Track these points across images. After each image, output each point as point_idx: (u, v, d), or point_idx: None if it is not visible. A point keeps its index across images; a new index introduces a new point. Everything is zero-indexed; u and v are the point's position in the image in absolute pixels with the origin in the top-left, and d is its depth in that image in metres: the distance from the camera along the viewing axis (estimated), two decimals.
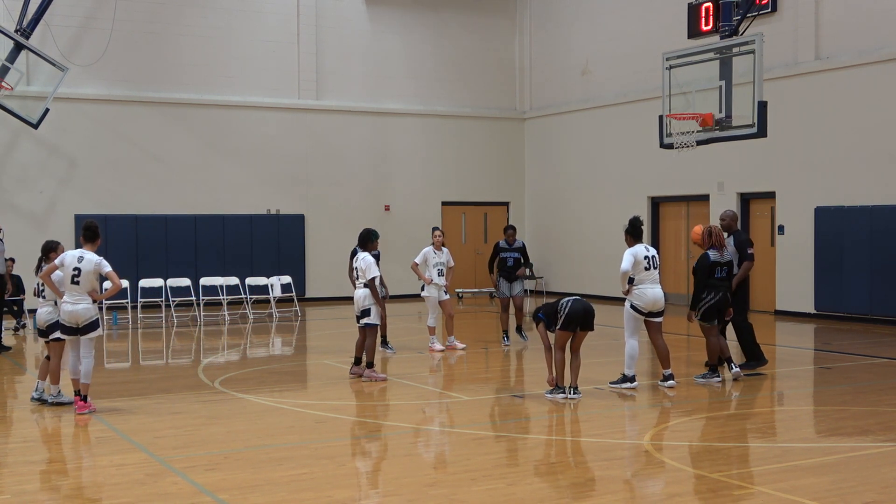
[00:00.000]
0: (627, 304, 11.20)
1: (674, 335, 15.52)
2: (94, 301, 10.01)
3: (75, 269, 9.84)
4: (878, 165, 17.67)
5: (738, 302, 12.10)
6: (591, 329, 10.57)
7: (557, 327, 10.51)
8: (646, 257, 11.10)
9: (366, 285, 11.79)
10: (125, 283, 19.99)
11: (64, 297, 9.90)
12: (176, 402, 10.64)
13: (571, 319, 10.33)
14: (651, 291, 11.07)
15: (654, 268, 11.13)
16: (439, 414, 10.30)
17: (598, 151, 23.93)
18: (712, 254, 11.48)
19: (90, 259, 9.89)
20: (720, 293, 11.43)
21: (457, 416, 10.06)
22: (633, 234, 11.24)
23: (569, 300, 10.47)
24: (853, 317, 17.98)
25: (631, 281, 11.08)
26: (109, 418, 9.67)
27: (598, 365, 12.55)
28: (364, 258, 11.91)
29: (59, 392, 10.34)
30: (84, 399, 9.92)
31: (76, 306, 9.82)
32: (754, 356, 12.34)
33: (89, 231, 10.07)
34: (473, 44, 25.84)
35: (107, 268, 9.92)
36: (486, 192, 26.10)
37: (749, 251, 12.25)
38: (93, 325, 9.90)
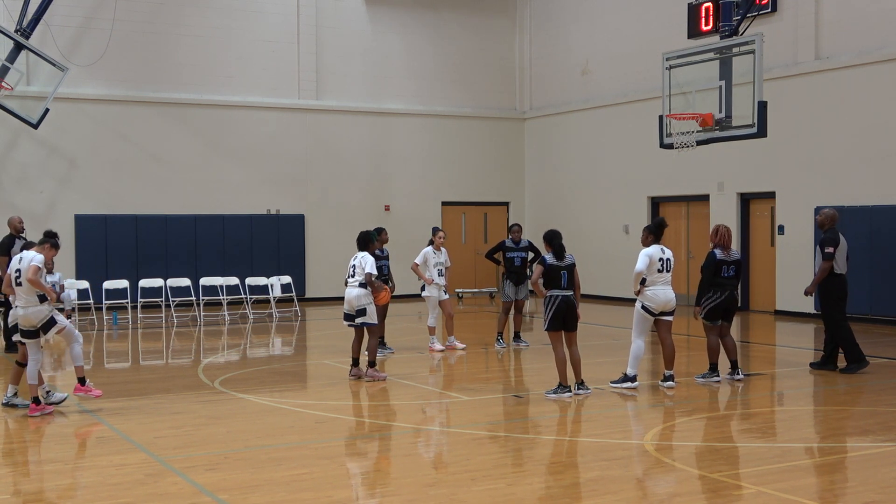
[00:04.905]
0: (638, 304, 11.18)
1: (673, 335, 15.50)
2: (54, 300, 9.95)
3: (16, 270, 9.83)
4: (878, 165, 17.67)
5: (830, 303, 12.20)
6: (573, 330, 10.67)
7: (545, 328, 10.64)
8: (661, 259, 11.06)
9: (361, 284, 11.79)
10: (125, 283, 20.10)
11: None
12: (176, 402, 10.64)
13: (555, 319, 10.51)
14: (663, 293, 11.06)
15: (668, 270, 11.12)
16: (439, 414, 10.30)
17: (598, 151, 23.92)
18: (718, 252, 11.48)
19: (27, 257, 9.79)
20: (727, 292, 11.43)
21: (457, 416, 10.06)
22: (655, 233, 11.19)
23: (557, 297, 10.53)
24: (853, 317, 17.87)
25: (643, 282, 11.07)
26: (109, 418, 9.67)
27: (598, 365, 12.55)
28: (364, 256, 11.92)
29: (49, 392, 10.28)
30: (82, 382, 9.95)
31: (26, 310, 9.75)
32: (855, 358, 12.25)
33: (44, 236, 10.11)
34: (473, 44, 25.84)
35: (34, 262, 9.69)
36: (486, 192, 26.09)
37: (826, 250, 12.18)
38: (51, 322, 9.80)
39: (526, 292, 14.67)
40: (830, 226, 12.41)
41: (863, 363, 12.22)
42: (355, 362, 12.04)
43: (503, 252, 14.70)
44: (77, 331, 10.23)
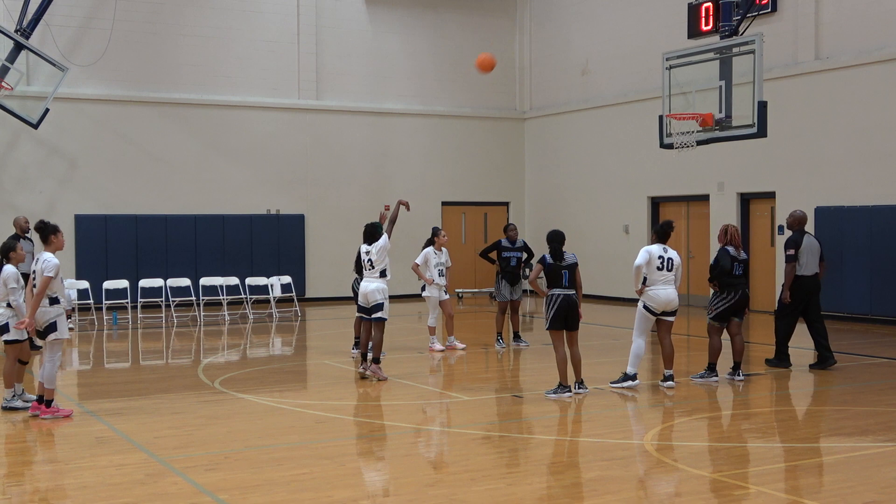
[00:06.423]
0: (640, 303, 11.22)
1: (674, 335, 15.49)
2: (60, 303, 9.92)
3: (33, 271, 9.80)
4: (878, 165, 17.66)
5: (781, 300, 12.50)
6: (575, 329, 10.68)
7: (546, 327, 10.67)
8: (660, 257, 11.11)
9: (382, 273, 11.79)
10: (125, 283, 20.10)
11: None
12: (176, 402, 10.64)
13: (557, 317, 10.53)
14: (664, 292, 11.09)
15: (668, 269, 11.15)
16: (439, 414, 10.30)
17: (598, 151, 23.92)
18: (731, 249, 11.56)
19: (41, 262, 9.71)
20: (739, 291, 11.51)
21: (457, 416, 10.06)
22: (658, 233, 11.30)
23: (558, 295, 10.54)
24: (853, 317, 17.97)
25: (645, 281, 11.10)
26: (109, 418, 9.67)
27: (599, 365, 12.55)
28: (377, 246, 11.82)
29: (14, 396, 10.18)
30: (47, 404, 9.70)
31: (40, 308, 9.75)
32: (780, 356, 12.53)
33: (39, 233, 9.94)
34: (473, 44, 25.77)
35: (47, 273, 9.61)
36: (486, 192, 26.09)
37: (787, 252, 12.40)
38: (50, 328, 9.70)
39: (521, 293, 14.67)
40: (798, 228, 12.50)
41: (784, 363, 12.47)
42: (364, 357, 12.03)
43: (498, 252, 14.68)
44: (60, 352, 9.95)
